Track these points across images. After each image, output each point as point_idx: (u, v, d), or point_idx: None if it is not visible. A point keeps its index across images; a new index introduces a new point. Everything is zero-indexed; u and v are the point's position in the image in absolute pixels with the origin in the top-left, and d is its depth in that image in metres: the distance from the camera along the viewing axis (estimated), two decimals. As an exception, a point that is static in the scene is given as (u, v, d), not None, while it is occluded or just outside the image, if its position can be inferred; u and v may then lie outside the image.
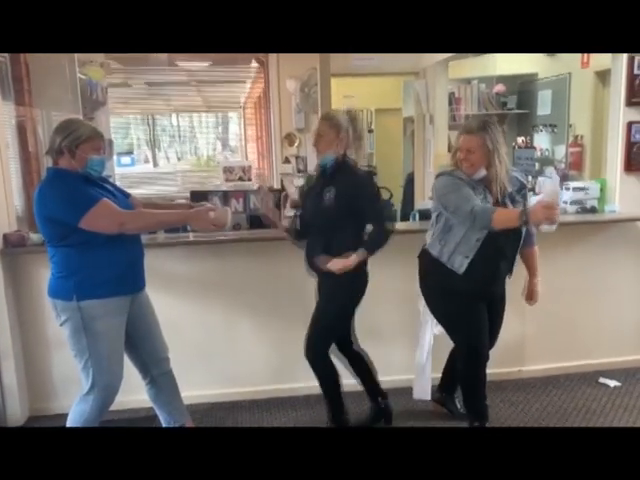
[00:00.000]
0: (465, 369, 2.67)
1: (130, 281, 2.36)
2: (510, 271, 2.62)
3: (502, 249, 2.50)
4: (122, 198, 2.39)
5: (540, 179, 3.44)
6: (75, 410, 2.37)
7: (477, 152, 2.40)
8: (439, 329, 2.79)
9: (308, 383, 2.91)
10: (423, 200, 4.71)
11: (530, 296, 2.77)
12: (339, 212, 2.50)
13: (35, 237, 2.96)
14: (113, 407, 2.42)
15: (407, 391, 3.14)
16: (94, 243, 2.21)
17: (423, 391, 2.96)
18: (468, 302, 2.55)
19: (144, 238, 2.75)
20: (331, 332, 2.66)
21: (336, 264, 2.50)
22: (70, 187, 2.19)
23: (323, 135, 2.57)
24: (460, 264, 2.47)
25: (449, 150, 5.10)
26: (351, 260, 2.49)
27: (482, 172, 2.45)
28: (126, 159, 7.97)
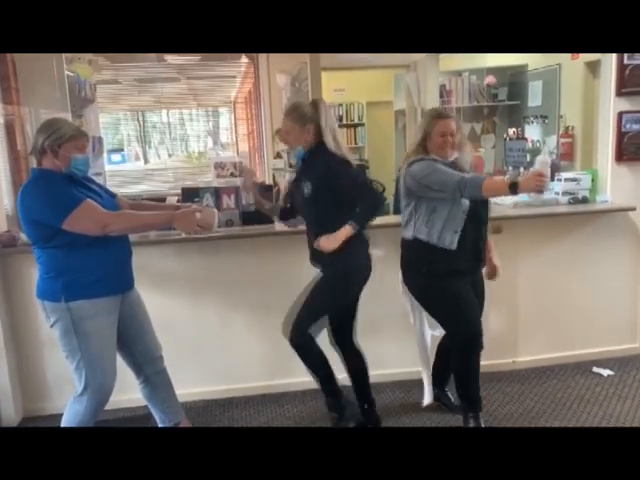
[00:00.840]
0: (463, 357, 2.66)
1: (118, 281, 2.35)
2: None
3: (481, 219, 2.57)
4: (108, 199, 2.37)
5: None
6: (69, 411, 2.36)
7: (456, 135, 2.54)
8: (439, 331, 2.79)
9: (303, 379, 2.91)
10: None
11: (493, 272, 2.78)
12: (321, 203, 2.49)
13: (25, 236, 2.93)
14: (108, 406, 2.40)
15: (401, 385, 3.16)
16: (80, 243, 2.19)
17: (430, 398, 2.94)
18: (462, 287, 2.57)
19: (136, 236, 2.74)
20: (315, 315, 2.62)
21: (326, 241, 2.49)
22: (52, 188, 2.17)
23: (289, 131, 2.55)
24: (451, 240, 2.50)
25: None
26: (340, 234, 2.47)
27: (455, 154, 2.57)
28: (116, 156, 7.93)
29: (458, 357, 2.69)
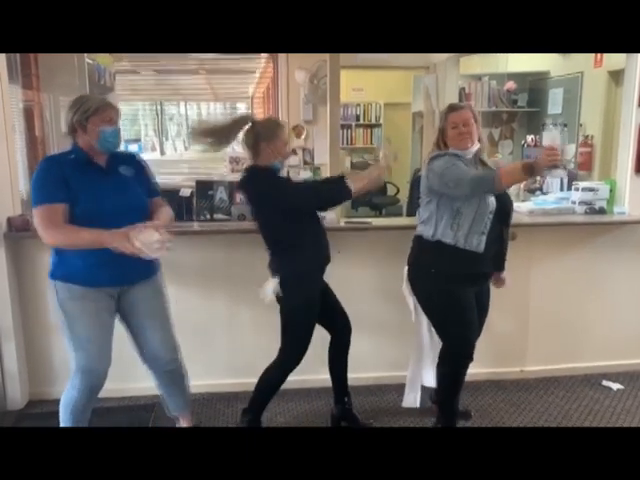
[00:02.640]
0: (452, 370, 2.62)
1: (103, 274, 2.24)
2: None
3: (505, 221, 2.54)
4: (122, 199, 2.25)
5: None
6: (65, 395, 2.37)
7: (472, 125, 2.47)
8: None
9: (307, 377, 2.91)
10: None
11: (500, 283, 2.77)
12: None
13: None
14: (113, 394, 2.41)
15: (399, 388, 3.13)
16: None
17: (413, 400, 2.94)
18: (470, 295, 2.53)
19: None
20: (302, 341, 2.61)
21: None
22: (41, 176, 2.19)
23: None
24: (478, 242, 2.43)
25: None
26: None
27: (477, 145, 2.50)
28: (133, 146, 7.96)
29: (447, 368, 2.63)
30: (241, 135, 2.50)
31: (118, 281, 2.32)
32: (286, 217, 2.47)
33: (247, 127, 2.48)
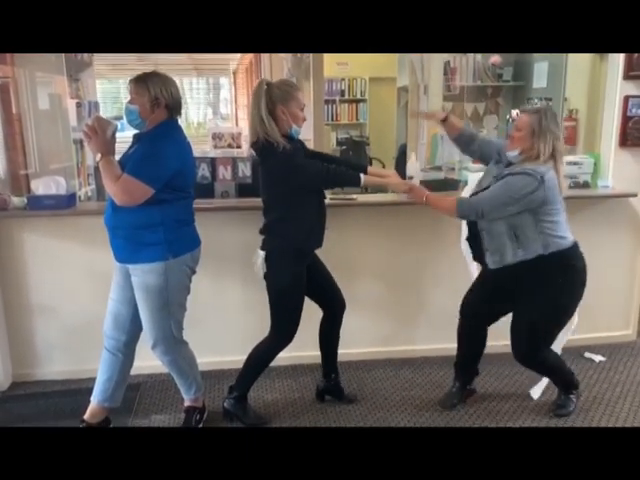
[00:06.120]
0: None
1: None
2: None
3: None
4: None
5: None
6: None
7: (520, 131, 2.41)
8: None
9: (292, 353, 2.90)
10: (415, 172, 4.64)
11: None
12: None
13: (17, 200, 2.88)
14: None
15: (386, 364, 3.15)
16: None
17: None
18: None
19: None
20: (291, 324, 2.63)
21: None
22: None
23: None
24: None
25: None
26: None
27: (514, 153, 2.44)
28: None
29: None
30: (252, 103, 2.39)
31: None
32: (292, 193, 2.43)
33: (261, 91, 2.35)
